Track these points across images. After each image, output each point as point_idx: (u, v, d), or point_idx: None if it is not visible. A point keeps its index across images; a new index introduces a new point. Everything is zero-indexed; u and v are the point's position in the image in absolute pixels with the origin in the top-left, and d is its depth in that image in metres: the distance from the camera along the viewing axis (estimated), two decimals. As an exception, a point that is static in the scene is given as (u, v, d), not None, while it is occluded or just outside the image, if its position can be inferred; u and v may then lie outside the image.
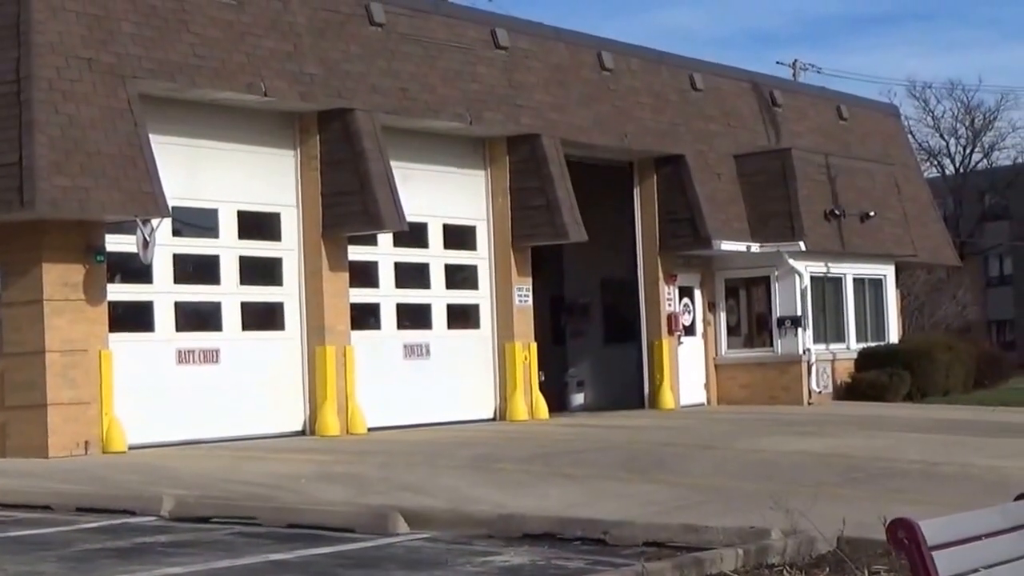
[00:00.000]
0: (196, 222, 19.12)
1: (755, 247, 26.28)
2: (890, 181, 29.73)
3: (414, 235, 21.24)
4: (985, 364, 30.76)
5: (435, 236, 22.22)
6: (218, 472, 14.91)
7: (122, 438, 17.08)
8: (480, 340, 22.55)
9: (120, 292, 17.79)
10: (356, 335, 20.21)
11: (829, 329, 27.63)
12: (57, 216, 16.57)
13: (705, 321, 26.64)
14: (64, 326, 16.83)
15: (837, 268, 27.86)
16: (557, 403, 24.90)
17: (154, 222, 17.06)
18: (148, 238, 17.07)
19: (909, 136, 43.29)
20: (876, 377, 27.03)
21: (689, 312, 26.30)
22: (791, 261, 26.34)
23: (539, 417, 22.51)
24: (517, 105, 22.57)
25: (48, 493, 13.30)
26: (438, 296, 22.23)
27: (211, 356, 18.80)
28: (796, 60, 48.03)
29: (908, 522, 5.07)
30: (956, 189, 62.87)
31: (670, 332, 25.51)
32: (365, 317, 20.81)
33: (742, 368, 26.59)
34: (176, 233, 18.47)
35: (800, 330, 26.32)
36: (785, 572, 8.55)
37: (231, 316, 19.23)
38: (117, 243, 17.39)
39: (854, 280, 28.57)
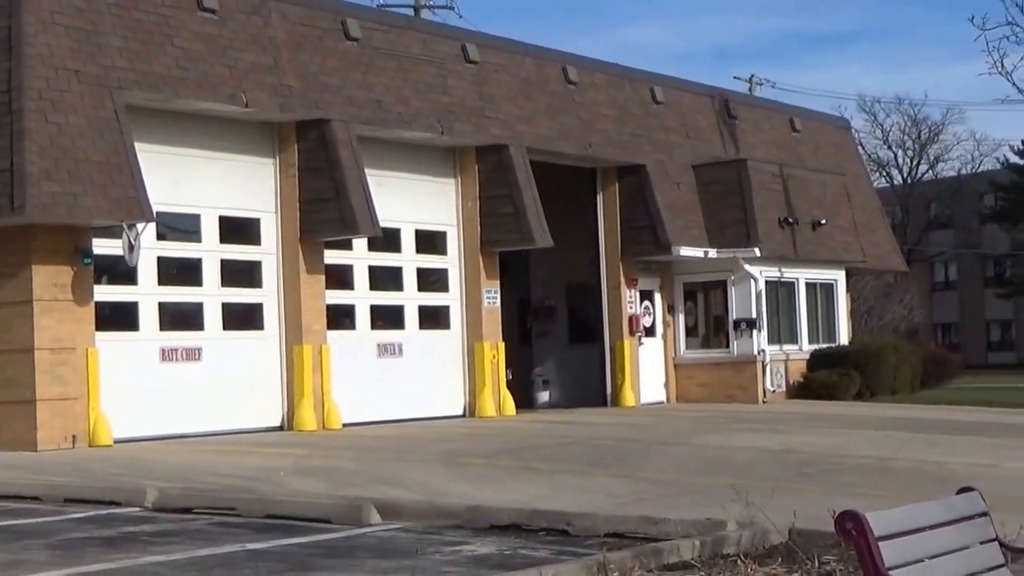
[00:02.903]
0: (179, 227, 19.51)
1: (712, 253, 26.74)
2: (841, 191, 30.17)
3: (388, 240, 21.70)
4: (931, 365, 31.11)
5: (408, 241, 22.63)
6: (200, 465, 15.17)
7: (108, 433, 17.46)
8: (450, 340, 22.97)
9: (106, 293, 18.19)
10: (332, 335, 20.62)
11: (783, 331, 28.01)
12: (46, 220, 16.97)
13: (665, 323, 27.11)
14: (53, 325, 17.19)
15: (790, 273, 28.31)
16: (524, 400, 25.29)
17: (139, 226, 17.50)
18: (133, 242, 17.47)
19: (859, 148, 43.76)
20: (827, 377, 27.40)
21: (649, 314, 26.73)
22: (746, 266, 26.84)
23: (506, 414, 22.93)
24: (486, 116, 22.98)
25: (36, 485, 13.41)
26: (410, 298, 22.65)
27: (194, 354, 19.22)
28: (752, 75, 48.35)
29: (855, 514, 5.22)
30: (903, 199, 63.91)
31: (631, 333, 26.00)
32: (341, 318, 21.21)
33: (700, 368, 27.02)
34: (160, 237, 18.88)
35: (755, 332, 26.79)
36: (739, 562, 8.63)
37: (213, 316, 19.66)
38: (104, 246, 17.80)
39: (806, 284, 28.97)
